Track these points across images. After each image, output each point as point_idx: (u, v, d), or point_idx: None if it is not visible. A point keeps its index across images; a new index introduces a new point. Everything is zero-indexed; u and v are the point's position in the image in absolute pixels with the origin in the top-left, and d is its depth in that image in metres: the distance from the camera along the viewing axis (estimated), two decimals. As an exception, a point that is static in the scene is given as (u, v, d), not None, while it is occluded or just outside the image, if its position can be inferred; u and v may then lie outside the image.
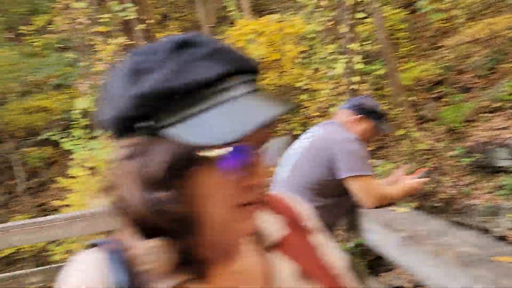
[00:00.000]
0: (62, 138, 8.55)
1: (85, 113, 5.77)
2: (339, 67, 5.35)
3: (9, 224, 2.37)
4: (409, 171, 2.45)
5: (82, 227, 2.41)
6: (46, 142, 13.88)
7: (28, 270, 2.39)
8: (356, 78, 5.30)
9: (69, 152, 14.23)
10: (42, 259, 10.44)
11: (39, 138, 12.39)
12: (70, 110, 13.36)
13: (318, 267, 0.72)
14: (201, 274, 0.61)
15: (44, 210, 11.68)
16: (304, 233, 0.76)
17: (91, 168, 8.59)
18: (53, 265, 2.53)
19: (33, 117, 13.90)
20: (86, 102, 5.79)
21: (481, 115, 7.80)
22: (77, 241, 7.83)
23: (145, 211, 0.53)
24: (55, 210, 12.11)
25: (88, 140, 6.32)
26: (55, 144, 14.40)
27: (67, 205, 9.64)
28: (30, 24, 12.83)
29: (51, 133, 9.20)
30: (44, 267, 2.45)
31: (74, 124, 5.72)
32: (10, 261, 10.61)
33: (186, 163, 0.53)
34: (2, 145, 12.79)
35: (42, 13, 12.25)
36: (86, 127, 5.90)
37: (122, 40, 5.70)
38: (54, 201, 11.96)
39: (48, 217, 2.40)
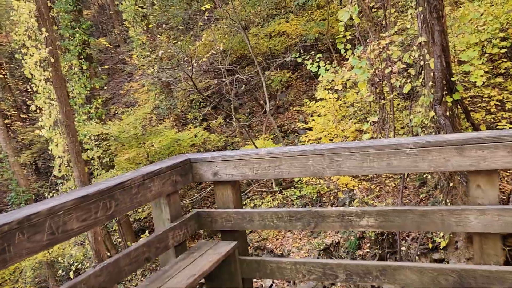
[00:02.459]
0: (306, 59, 8.27)
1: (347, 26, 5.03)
2: None
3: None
4: None
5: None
6: (284, 66, 14.34)
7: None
8: None
9: (306, 75, 14.35)
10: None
11: (278, 61, 12.72)
12: (307, 34, 13.18)
13: None
14: None
15: (284, 131, 12.28)
16: None
17: (337, 91, 8.13)
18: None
19: (273, 42, 14.39)
20: (349, 13, 5.01)
21: None
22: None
23: None
24: (294, 132, 12.60)
25: (342, 60, 5.66)
26: (293, 68, 14.78)
27: (309, 129, 9.66)
28: None
29: (295, 55, 9.05)
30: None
31: (338, 37, 5.06)
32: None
33: None
34: (249, 67, 13.70)
35: None
36: (347, 42, 5.18)
37: None
38: (297, 123, 12.34)
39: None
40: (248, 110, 14.59)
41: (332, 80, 7.77)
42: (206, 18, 8.86)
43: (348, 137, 8.70)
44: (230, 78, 11.49)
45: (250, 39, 13.46)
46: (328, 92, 7.25)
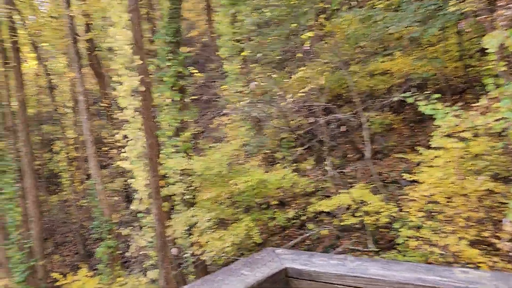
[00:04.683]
0: (419, 100, 7.00)
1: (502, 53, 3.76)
2: None
3: None
4: None
5: None
6: (386, 107, 12.95)
7: None
8: None
9: (410, 118, 12.78)
10: None
11: (382, 101, 11.42)
12: (415, 73, 11.77)
13: None
14: None
15: (382, 180, 10.77)
16: None
17: (461, 139, 6.67)
18: None
19: (374, 80, 13.16)
20: (499, 40, 3.75)
21: None
22: None
23: None
24: (395, 182, 11.01)
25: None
26: (395, 110, 13.33)
27: (414, 181, 8.16)
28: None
29: (406, 95, 7.78)
30: None
31: (486, 68, 3.80)
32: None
33: None
34: (346, 107, 12.59)
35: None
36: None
37: None
38: (398, 172, 10.81)
39: None
40: (341, 153, 13.35)
41: (456, 125, 6.36)
42: (306, 49, 8.06)
43: (470, 199, 7.03)
44: (325, 118, 10.46)
45: (348, 77, 12.42)
46: (454, 140, 5.85)
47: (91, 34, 14.86)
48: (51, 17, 18.02)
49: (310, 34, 7.30)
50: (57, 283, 10.52)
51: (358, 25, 10.85)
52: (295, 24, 10.21)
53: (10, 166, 13.09)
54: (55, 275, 10.73)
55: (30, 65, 22.93)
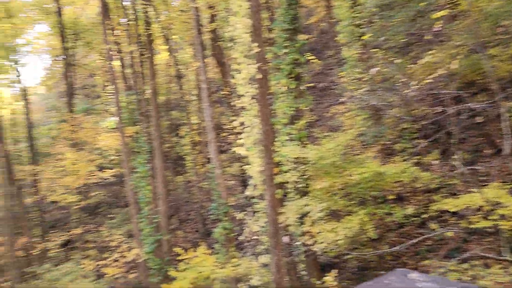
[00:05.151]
0: None
1: None
2: None
3: None
4: None
5: None
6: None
7: None
8: None
9: None
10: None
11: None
12: None
13: None
14: None
15: (524, 180, 9.32)
16: None
17: None
18: None
19: (518, 65, 11.38)
20: None
21: None
22: None
23: None
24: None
25: None
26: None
27: None
28: None
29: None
30: None
31: None
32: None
33: None
34: (480, 95, 11.16)
35: None
36: None
37: None
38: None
39: None
40: (473, 148, 11.91)
41: None
42: (436, 30, 7.25)
43: None
44: (455, 107, 9.39)
45: (486, 61, 10.93)
46: None
47: (214, 24, 15.61)
48: (181, 11, 19.37)
49: (441, 13, 6.51)
50: (179, 257, 11.42)
51: (500, 1, 9.43)
52: (423, 4, 9.29)
53: (143, 148, 14.55)
54: (177, 249, 11.67)
55: (162, 56, 25.13)
